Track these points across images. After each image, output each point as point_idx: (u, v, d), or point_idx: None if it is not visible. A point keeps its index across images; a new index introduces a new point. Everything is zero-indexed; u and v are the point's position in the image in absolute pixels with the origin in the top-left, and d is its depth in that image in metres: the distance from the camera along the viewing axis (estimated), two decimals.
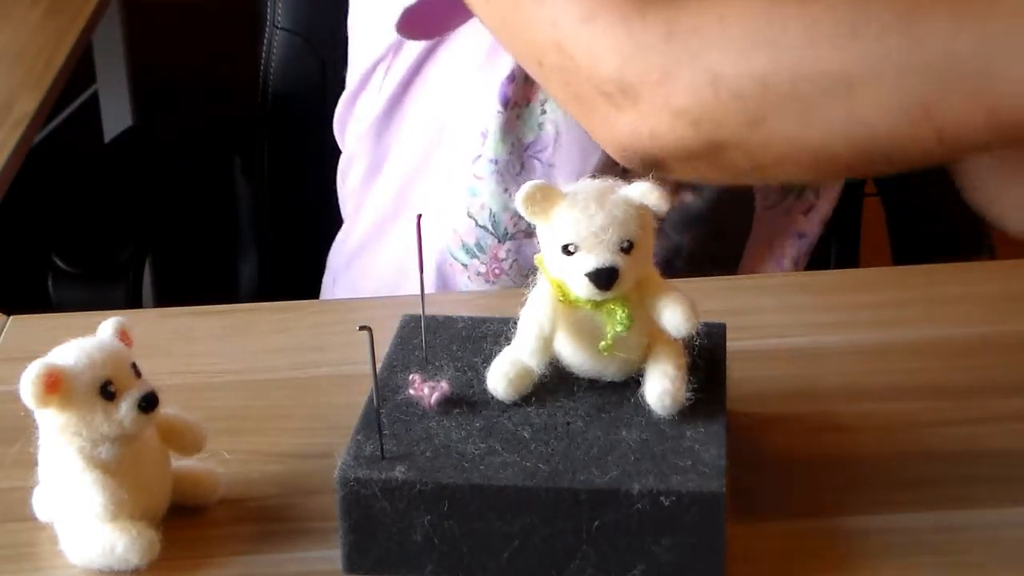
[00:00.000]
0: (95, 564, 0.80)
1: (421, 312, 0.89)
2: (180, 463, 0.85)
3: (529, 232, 1.12)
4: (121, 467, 0.80)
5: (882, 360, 0.99)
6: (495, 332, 0.88)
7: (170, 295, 1.48)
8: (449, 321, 0.91)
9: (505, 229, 1.18)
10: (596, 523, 0.76)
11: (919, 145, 0.83)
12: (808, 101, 0.83)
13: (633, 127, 0.87)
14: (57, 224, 1.46)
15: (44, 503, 0.84)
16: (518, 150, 1.15)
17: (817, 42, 0.83)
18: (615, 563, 0.77)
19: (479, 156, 1.17)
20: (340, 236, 1.30)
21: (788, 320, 1.03)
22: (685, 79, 0.84)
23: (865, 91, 0.82)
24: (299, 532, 0.83)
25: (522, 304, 0.84)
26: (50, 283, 1.51)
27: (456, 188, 1.19)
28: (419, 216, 0.86)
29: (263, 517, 0.85)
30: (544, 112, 1.14)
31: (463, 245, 1.19)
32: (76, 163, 1.86)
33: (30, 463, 0.83)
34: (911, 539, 0.82)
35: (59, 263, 1.67)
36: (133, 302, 1.40)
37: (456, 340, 0.89)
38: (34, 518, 0.84)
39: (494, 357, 0.86)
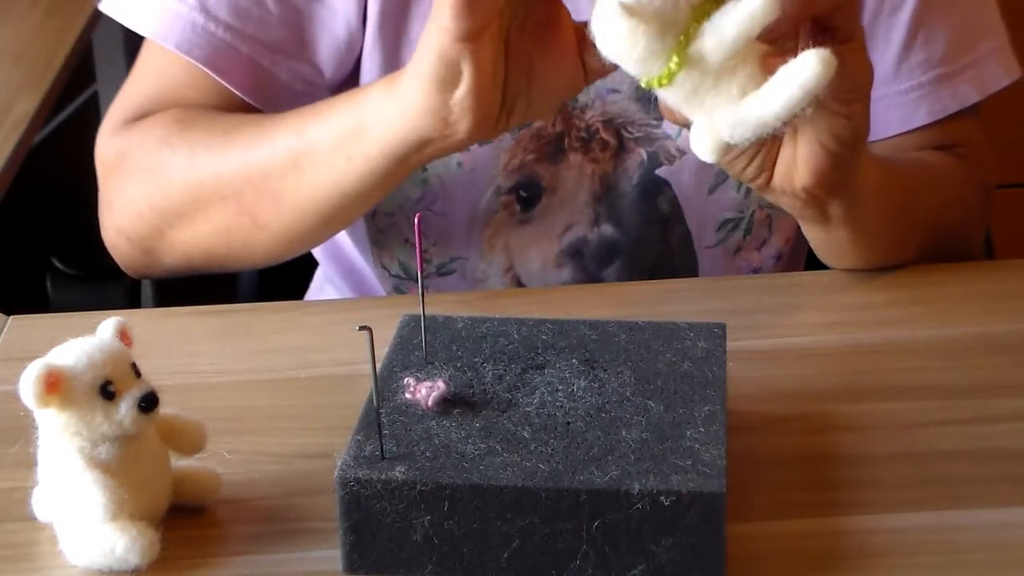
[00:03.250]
0: (95, 564, 0.80)
1: (421, 312, 0.89)
2: (180, 463, 0.85)
3: (441, 272, 1.17)
4: (121, 467, 0.80)
5: (882, 360, 0.99)
6: (495, 332, 0.89)
7: (170, 295, 1.48)
8: (449, 321, 0.91)
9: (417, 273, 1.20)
10: (596, 523, 0.76)
11: (250, 234, 1.07)
12: (185, 217, 1.09)
13: (105, 229, 1.15)
14: (55, 225, 1.46)
15: (44, 503, 0.84)
16: (408, 205, 1.18)
17: (185, 170, 1.08)
18: (615, 563, 0.77)
19: (375, 211, 1.19)
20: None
21: (788, 320, 1.03)
22: (118, 204, 1.12)
23: (206, 205, 1.08)
24: (299, 532, 0.83)
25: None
26: (48, 284, 1.51)
27: (360, 241, 1.23)
28: (418, 216, 0.87)
29: (263, 517, 0.85)
30: (425, 169, 1.16)
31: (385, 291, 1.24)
32: (76, 163, 1.86)
33: (30, 463, 0.83)
34: (911, 539, 0.82)
35: (57, 264, 1.67)
36: (132, 302, 1.40)
37: (456, 340, 0.89)
38: (34, 518, 0.84)
39: (494, 357, 0.86)
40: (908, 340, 1.02)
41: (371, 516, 0.77)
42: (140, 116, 1.14)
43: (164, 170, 1.10)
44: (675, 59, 0.82)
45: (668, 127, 1.17)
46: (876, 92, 1.17)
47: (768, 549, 0.81)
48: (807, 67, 0.81)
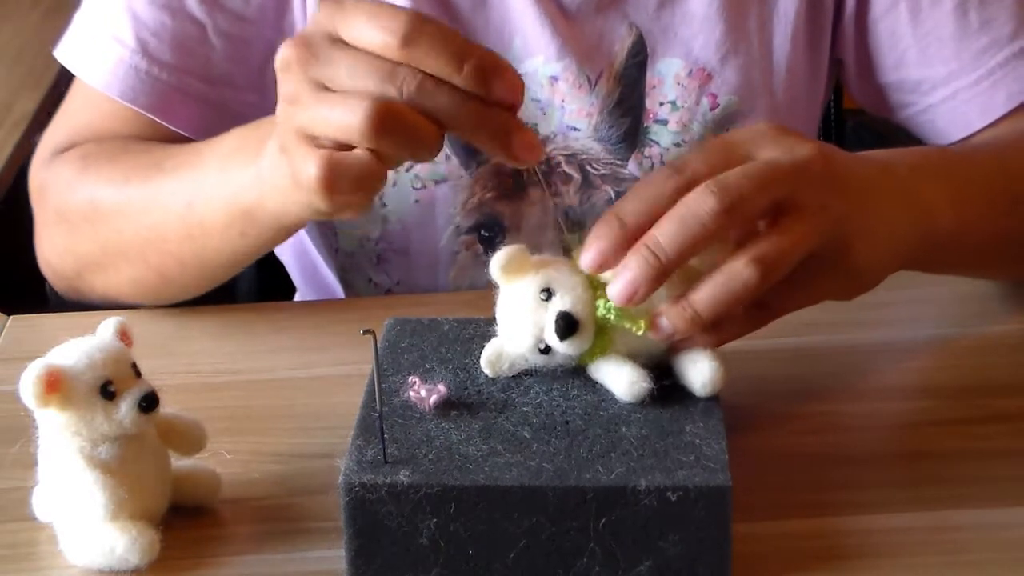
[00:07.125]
0: (95, 564, 0.80)
1: (409, 316, 0.89)
2: (180, 463, 0.85)
3: None
4: (121, 467, 0.80)
5: (881, 360, 0.99)
6: (482, 333, 0.88)
7: None
8: (434, 324, 0.91)
9: None
10: (603, 521, 0.76)
11: (159, 286, 1.06)
12: (97, 267, 1.08)
13: (38, 256, 1.15)
14: None
15: (44, 503, 0.84)
16: (368, 245, 1.17)
17: (90, 222, 1.07)
18: (622, 560, 0.77)
19: (336, 249, 1.19)
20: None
21: (788, 320, 1.03)
22: (44, 238, 1.13)
23: (114, 260, 1.06)
24: (299, 532, 0.83)
25: None
26: (48, 284, 1.49)
27: (327, 278, 1.23)
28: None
29: (263, 517, 0.85)
30: (385, 206, 1.15)
31: None
32: None
33: (30, 463, 0.83)
34: (911, 539, 0.82)
35: None
36: None
37: (445, 342, 0.89)
38: (34, 518, 0.84)
39: None
40: (908, 340, 1.02)
41: (376, 521, 0.77)
42: (68, 148, 1.13)
43: (72, 219, 1.09)
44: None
45: (634, 169, 1.16)
46: (944, 91, 1.13)
47: (768, 549, 0.81)
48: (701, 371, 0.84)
